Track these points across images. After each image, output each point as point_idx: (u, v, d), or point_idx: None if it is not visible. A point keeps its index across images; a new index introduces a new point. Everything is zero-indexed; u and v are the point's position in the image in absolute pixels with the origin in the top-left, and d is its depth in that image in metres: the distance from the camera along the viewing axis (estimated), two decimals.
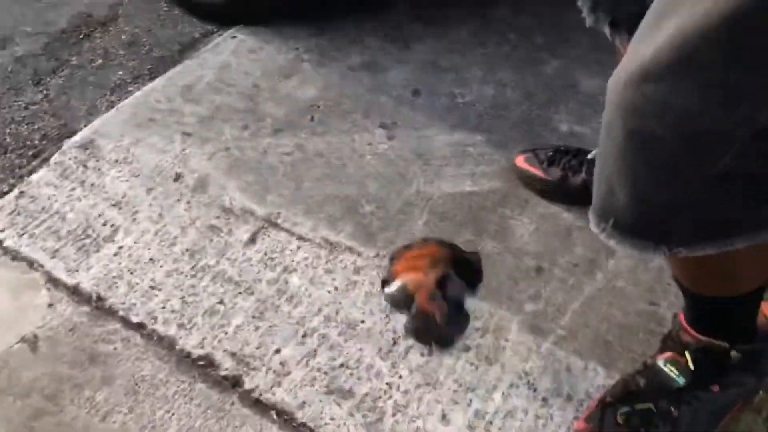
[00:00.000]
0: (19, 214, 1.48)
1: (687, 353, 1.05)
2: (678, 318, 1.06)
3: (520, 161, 1.49)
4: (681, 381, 1.05)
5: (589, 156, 1.40)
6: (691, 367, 1.04)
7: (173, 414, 1.17)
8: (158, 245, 1.43)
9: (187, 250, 1.42)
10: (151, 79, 1.83)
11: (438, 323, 1.22)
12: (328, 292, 1.33)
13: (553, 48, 1.84)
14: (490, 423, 1.13)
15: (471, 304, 1.28)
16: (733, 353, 1.03)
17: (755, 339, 1.05)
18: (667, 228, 0.78)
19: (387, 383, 1.19)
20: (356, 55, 1.84)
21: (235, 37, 1.92)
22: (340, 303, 1.31)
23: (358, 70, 1.80)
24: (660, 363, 1.07)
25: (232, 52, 1.87)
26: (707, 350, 1.03)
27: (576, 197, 1.41)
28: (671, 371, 1.06)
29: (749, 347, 1.05)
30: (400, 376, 1.19)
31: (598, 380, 1.16)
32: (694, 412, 1.05)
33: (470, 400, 1.16)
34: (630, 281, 1.30)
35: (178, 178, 1.54)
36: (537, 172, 1.45)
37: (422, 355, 1.22)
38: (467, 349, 1.22)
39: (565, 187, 1.42)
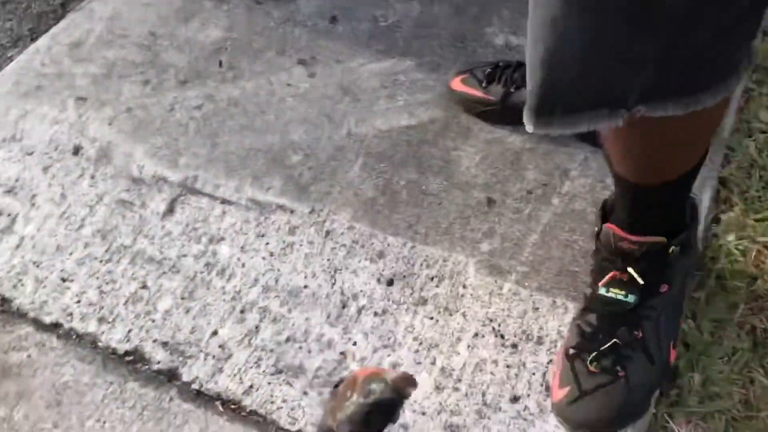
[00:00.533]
0: None
1: (630, 268, 0.95)
2: (609, 230, 0.95)
3: (456, 84, 1.34)
4: (632, 299, 0.96)
5: None
6: (640, 281, 0.95)
7: (104, 422, 1.03)
8: (65, 230, 1.26)
9: (98, 231, 1.25)
10: (33, 39, 1.61)
11: None
12: (263, 258, 1.19)
13: None
14: (459, 380, 1.02)
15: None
16: (672, 248, 0.95)
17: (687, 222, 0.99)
18: (624, 87, 0.70)
19: (341, 352, 1.07)
20: None
21: None
22: (278, 270, 1.17)
23: (266, 2, 1.61)
24: (602, 291, 0.97)
25: (124, 2, 1.65)
26: (649, 253, 0.94)
27: (521, 115, 1.28)
28: (617, 294, 0.96)
29: (684, 235, 0.97)
30: (355, 343, 1.08)
31: (569, 317, 1.06)
32: (655, 322, 0.97)
33: (434, 358, 1.05)
34: (589, 201, 1.20)
35: (77, 150, 1.36)
36: (476, 93, 1.32)
37: (376, 314, 1.10)
38: (423, 301, 1.11)
39: (509, 105, 1.29)
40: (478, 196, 1.23)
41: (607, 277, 0.97)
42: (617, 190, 0.96)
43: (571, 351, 0.96)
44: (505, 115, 1.30)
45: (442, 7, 1.56)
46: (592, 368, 0.94)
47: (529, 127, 0.75)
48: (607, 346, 0.95)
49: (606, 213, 1.01)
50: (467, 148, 1.30)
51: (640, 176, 0.89)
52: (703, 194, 1.18)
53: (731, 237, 1.14)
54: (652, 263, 0.95)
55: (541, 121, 0.74)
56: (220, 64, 1.49)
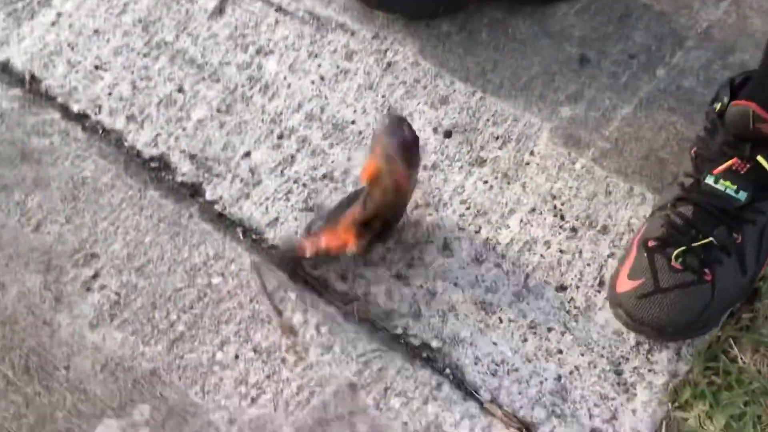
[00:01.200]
0: None
1: (761, 157, 0.79)
2: (747, 108, 0.77)
3: None
4: (743, 197, 0.80)
5: None
6: None
7: (118, 226, 0.96)
8: (105, 13, 1.14)
9: (140, 20, 1.12)
10: None
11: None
12: (312, 82, 1.05)
13: None
14: (502, 256, 0.91)
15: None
16: None
17: None
18: None
19: None
20: None
21: None
22: (326, 97, 1.04)
23: None
24: (709, 180, 0.81)
25: None
26: None
27: None
28: (728, 187, 0.80)
29: None
30: None
31: (644, 209, 0.91)
32: (760, 230, 0.82)
33: (479, 227, 0.93)
34: (701, 81, 1.00)
35: None
36: None
37: (424, 168, 0.97)
38: (482, 162, 0.97)
39: None
40: (570, 50, 1.04)
41: (725, 165, 0.80)
42: None
43: (653, 243, 0.82)
44: None
45: None
46: (676, 264, 0.80)
47: None
48: (700, 243, 0.81)
49: (734, 90, 0.83)
50: None
51: None
52: None
53: None
54: None
55: None
56: None
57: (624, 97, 1.00)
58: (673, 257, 0.80)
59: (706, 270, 0.80)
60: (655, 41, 1.04)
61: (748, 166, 0.79)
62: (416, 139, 0.80)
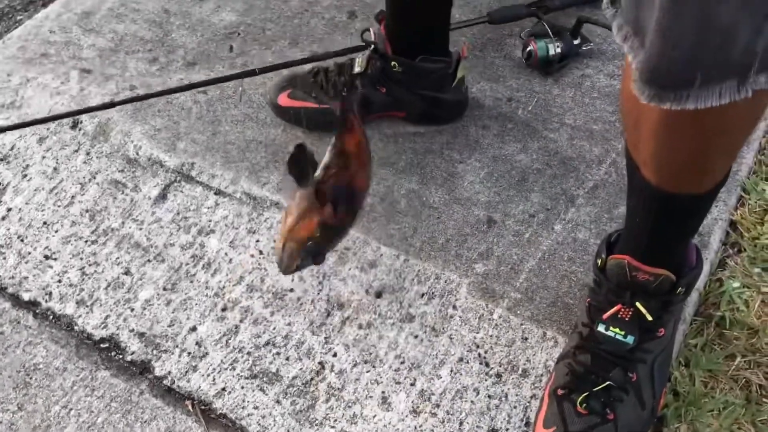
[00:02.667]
0: None
1: (639, 303, 0.91)
2: (622, 261, 0.91)
3: (284, 100, 1.27)
4: (630, 340, 0.92)
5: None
6: (648, 317, 0.91)
7: (71, 409, 1.00)
8: (53, 205, 1.23)
9: (86, 210, 1.22)
10: (45, 5, 1.57)
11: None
12: (252, 256, 1.15)
13: None
14: (437, 405, 0.99)
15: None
16: (680, 289, 0.91)
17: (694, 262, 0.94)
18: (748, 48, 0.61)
19: (320, 362, 1.04)
20: None
21: None
22: (265, 269, 1.14)
23: None
24: (601, 328, 0.93)
25: None
26: (659, 289, 0.90)
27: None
28: (617, 333, 0.92)
29: (693, 275, 0.93)
30: (335, 354, 1.04)
31: (557, 350, 1.02)
32: (650, 366, 0.94)
33: (414, 380, 1.01)
34: (593, 232, 1.16)
35: (75, 124, 1.33)
36: (311, 104, 1.26)
37: (360, 326, 1.06)
38: (410, 318, 1.07)
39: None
40: (478, 213, 1.19)
41: (611, 311, 0.93)
42: (636, 208, 0.89)
43: (560, 391, 0.93)
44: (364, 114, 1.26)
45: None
46: (580, 409, 0.90)
47: (645, 99, 0.66)
48: (600, 387, 0.91)
49: (611, 246, 0.97)
50: (473, 162, 1.26)
51: (673, 180, 0.82)
52: (712, 236, 1.13)
53: (736, 284, 1.10)
54: (659, 301, 0.92)
55: (661, 93, 0.65)
56: (231, 49, 1.45)
57: (529, 252, 1.14)
58: (578, 403, 0.91)
59: (608, 410, 0.91)
60: (551, 201, 1.20)
61: (630, 312, 0.92)
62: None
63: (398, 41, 1.19)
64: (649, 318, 0.91)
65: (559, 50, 1.34)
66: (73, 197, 1.23)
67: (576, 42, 1.36)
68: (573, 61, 1.39)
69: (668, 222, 0.88)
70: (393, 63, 1.20)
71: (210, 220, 1.20)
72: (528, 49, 1.36)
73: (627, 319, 0.92)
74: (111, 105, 1.19)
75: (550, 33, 1.34)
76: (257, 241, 1.17)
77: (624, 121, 0.84)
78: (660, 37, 0.60)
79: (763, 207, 1.19)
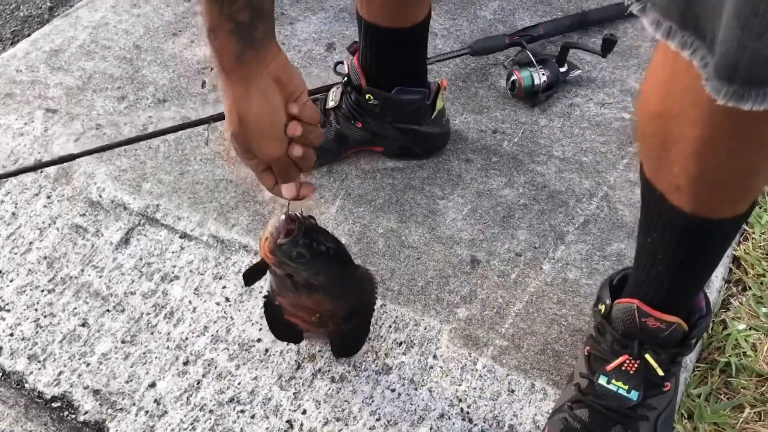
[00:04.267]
0: None
1: (649, 356, 0.82)
2: (630, 305, 0.82)
3: None
4: (635, 396, 0.83)
5: None
6: (660, 372, 0.82)
7: None
8: (9, 253, 1.15)
9: (44, 258, 1.14)
10: (13, 43, 1.52)
11: None
12: (217, 304, 1.07)
13: None
14: None
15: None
16: (693, 339, 0.83)
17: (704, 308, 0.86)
18: None
19: (287, 421, 0.95)
20: None
21: None
22: (231, 318, 1.05)
23: None
24: (602, 381, 0.84)
25: (112, 7, 1.57)
26: (670, 339, 0.82)
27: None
28: (620, 388, 0.83)
29: (705, 323, 0.85)
30: (304, 411, 0.95)
31: (547, 404, 0.93)
32: (654, 424, 0.85)
33: None
34: (584, 272, 1.07)
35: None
36: None
37: (332, 380, 0.98)
38: (387, 370, 0.99)
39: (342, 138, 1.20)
40: (461, 253, 1.11)
41: (615, 363, 0.84)
42: (658, 244, 0.80)
43: None
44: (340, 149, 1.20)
45: (449, 40, 1.46)
46: None
47: (723, 98, 0.57)
48: None
49: (613, 288, 0.88)
50: (456, 198, 1.18)
51: (712, 205, 0.73)
52: (714, 273, 1.05)
53: (741, 326, 1.01)
54: (669, 352, 0.83)
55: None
56: (203, 84, 1.39)
57: (515, 294, 1.05)
58: None
59: None
60: (538, 238, 1.12)
61: (637, 364, 0.83)
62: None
63: (373, 73, 1.12)
64: (660, 373, 0.82)
65: (544, 79, 1.27)
66: (31, 243, 1.16)
67: (563, 69, 1.30)
68: (560, 89, 1.32)
69: (700, 255, 0.79)
70: (368, 95, 1.13)
71: (174, 266, 1.12)
72: (512, 78, 1.29)
73: (632, 372, 0.83)
74: (71, 158, 1.13)
75: (534, 61, 1.27)
76: (223, 287, 1.09)
77: (643, 146, 0.75)
78: (740, 27, 0.52)
79: (767, 241, 1.11)
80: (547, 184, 1.19)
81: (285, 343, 1.01)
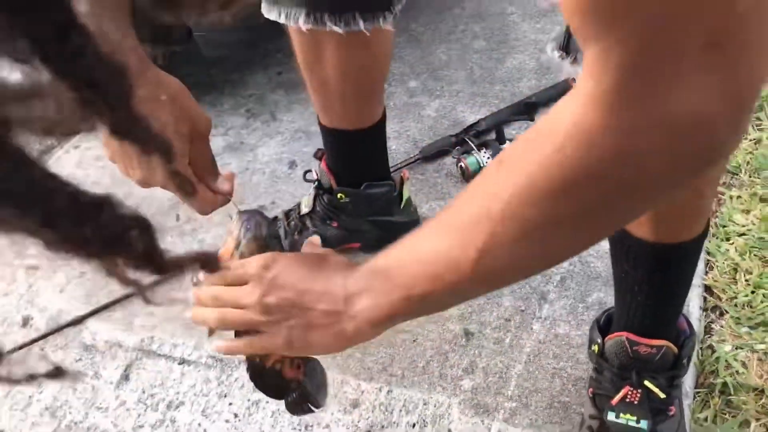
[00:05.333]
0: None
1: (648, 382, 0.87)
2: (620, 338, 0.87)
3: None
4: (645, 425, 0.86)
5: None
6: (661, 394, 0.86)
7: None
8: (10, 411, 1.15)
9: (46, 408, 1.14)
10: None
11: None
12: (227, 421, 1.08)
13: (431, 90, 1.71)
14: None
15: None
16: (684, 359, 0.88)
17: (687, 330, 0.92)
18: None
19: None
20: (218, 138, 1.64)
21: (78, 146, 1.68)
22: None
23: (224, 154, 1.59)
24: (611, 417, 0.88)
25: (77, 164, 1.63)
26: (663, 362, 0.86)
27: None
28: (629, 420, 0.87)
29: (692, 343, 0.90)
30: None
31: None
32: None
33: None
34: (572, 324, 1.12)
35: (26, 322, 1.28)
36: None
37: None
38: None
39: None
40: (453, 328, 1.15)
41: (619, 396, 0.88)
42: (630, 277, 0.86)
43: None
44: None
45: (401, 141, 1.56)
46: None
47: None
48: None
49: (602, 328, 0.93)
50: None
51: (672, 230, 0.80)
52: (691, 303, 1.11)
53: (728, 347, 1.06)
54: (666, 375, 0.88)
55: None
56: (177, 218, 1.44)
57: (513, 357, 1.09)
58: None
59: None
60: (523, 302, 1.17)
61: (639, 393, 0.87)
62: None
63: (341, 173, 1.20)
64: (662, 395, 0.87)
65: (487, 159, 1.37)
66: (30, 397, 1.16)
67: (504, 146, 1.40)
68: None
69: (672, 278, 0.85)
70: (339, 195, 1.20)
71: (178, 392, 1.13)
72: (460, 165, 1.39)
73: (636, 401, 0.87)
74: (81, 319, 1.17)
75: (475, 147, 1.39)
76: (230, 404, 1.10)
77: None
78: None
79: (731, 266, 1.18)
80: None
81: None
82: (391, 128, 1.58)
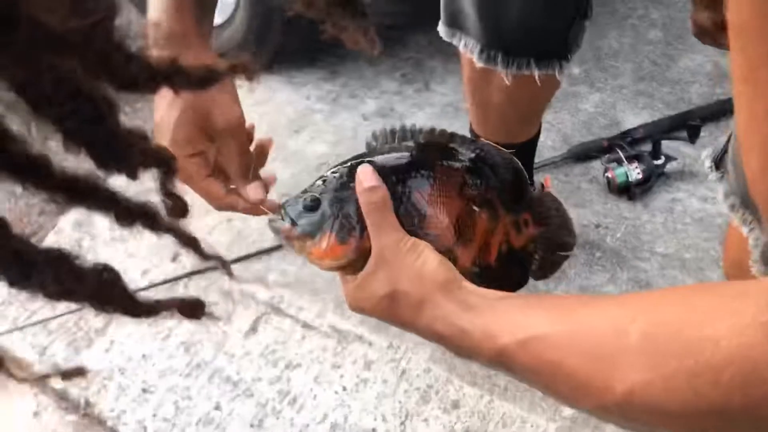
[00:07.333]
0: (10, 303, 1.37)
1: None
2: None
3: None
4: None
5: None
6: None
7: None
8: (152, 338, 1.29)
9: (182, 343, 1.27)
10: None
11: None
12: (336, 393, 1.16)
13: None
14: None
15: None
16: None
17: None
18: None
19: None
20: (371, 101, 1.68)
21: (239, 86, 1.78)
22: (349, 406, 1.14)
23: (373, 118, 1.63)
24: None
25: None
26: None
27: None
28: None
29: None
30: None
31: None
32: None
33: None
34: None
35: (175, 258, 1.41)
36: None
37: None
38: None
39: None
40: None
41: None
42: None
43: None
44: None
45: (551, 134, 1.52)
46: None
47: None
48: None
49: None
50: (559, 293, 1.23)
51: None
52: None
53: None
54: None
55: None
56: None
57: None
58: None
59: None
60: None
61: None
62: None
63: None
64: None
65: (639, 175, 1.31)
66: (171, 329, 1.30)
67: (658, 162, 1.34)
68: (660, 182, 1.36)
69: None
70: None
71: (297, 354, 1.22)
72: (606, 175, 1.35)
73: None
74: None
75: (625, 159, 1.33)
76: (341, 376, 1.18)
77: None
78: None
79: None
80: (650, 281, 1.22)
81: None
82: (543, 118, 1.55)
